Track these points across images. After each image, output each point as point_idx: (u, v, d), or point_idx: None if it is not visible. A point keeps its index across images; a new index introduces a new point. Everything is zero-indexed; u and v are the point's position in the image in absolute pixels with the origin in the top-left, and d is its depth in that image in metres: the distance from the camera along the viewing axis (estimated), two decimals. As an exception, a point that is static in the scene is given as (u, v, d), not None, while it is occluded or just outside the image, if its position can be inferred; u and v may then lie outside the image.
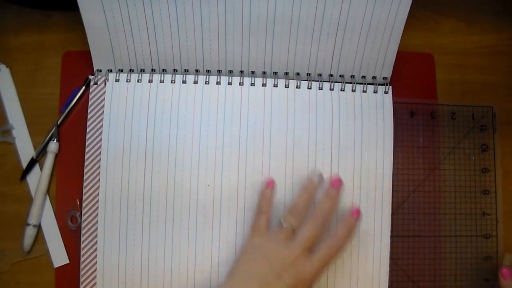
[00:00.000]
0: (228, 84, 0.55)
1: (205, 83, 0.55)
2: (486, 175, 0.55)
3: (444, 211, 0.54)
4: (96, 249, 0.52)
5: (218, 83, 0.55)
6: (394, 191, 0.53)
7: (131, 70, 0.55)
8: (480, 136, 0.56)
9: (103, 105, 0.54)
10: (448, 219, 0.54)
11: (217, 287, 0.45)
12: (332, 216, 0.49)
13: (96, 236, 0.52)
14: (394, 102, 0.55)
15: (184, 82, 0.55)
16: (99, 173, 0.53)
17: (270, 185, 0.51)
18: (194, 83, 0.55)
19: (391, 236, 0.53)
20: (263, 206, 0.50)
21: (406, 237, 0.54)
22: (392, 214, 0.53)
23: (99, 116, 0.54)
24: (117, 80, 0.54)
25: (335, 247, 0.46)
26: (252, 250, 0.47)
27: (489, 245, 0.54)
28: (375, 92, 0.55)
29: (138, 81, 0.54)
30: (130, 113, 0.54)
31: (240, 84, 0.55)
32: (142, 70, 0.55)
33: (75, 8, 0.52)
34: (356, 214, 0.48)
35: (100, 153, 0.53)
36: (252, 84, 0.55)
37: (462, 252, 0.54)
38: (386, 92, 0.55)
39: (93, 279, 0.52)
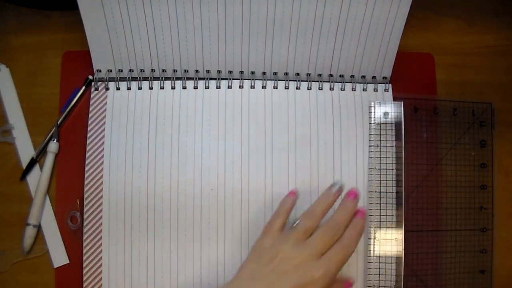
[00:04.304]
0: (228, 87, 0.55)
1: (205, 88, 0.55)
2: (484, 170, 0.56)
3: (445, 205, 0.55)
4: (98, 249, 0.52)
5: (218, 87, 0.55)
6: (399, 186, 0.54)
7: (131, 70, 0.55)
8: (479, 132, 0.56)
9: (104, 109, 0.54)
10: (449, 214, 0.55)
11: (223, 286, 0.45)
12: (346, 227, 0.47)
13: (98, 236, 0.52)
14: (397, 98, 0.55)
15: (184, 88, 0.55)
16: (101, 176, 0.53)
17: (291, 194, 0.50)
18: (194, 88, 0.55)
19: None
20: (281, 211, 0.49)
21: (411, 231, 0.54)
22: (398, 209, 0.53)
23: (100, 121, 0.54)
24: (118, 89, 0.54)
25: (345, 250, 0.46)
26: (260, 250, 0.46)
27: (485, 238, 0.55)
28: (375, 90, 0.55)
29: (139, 89, 0.55)
30: (132, 121, 0.54)
31: (240, 87, 0.55)
32: (142, 70, 0.55)
33: (75, 8, 0.52)
34: (361, 214, 0.48)
35: (101, 157, 0.53)
36: (252, 87, 0.55)
37: (461, 246, 0.55)
38: (386, 90, 0.55)
39: (95, 278, 0.52)
